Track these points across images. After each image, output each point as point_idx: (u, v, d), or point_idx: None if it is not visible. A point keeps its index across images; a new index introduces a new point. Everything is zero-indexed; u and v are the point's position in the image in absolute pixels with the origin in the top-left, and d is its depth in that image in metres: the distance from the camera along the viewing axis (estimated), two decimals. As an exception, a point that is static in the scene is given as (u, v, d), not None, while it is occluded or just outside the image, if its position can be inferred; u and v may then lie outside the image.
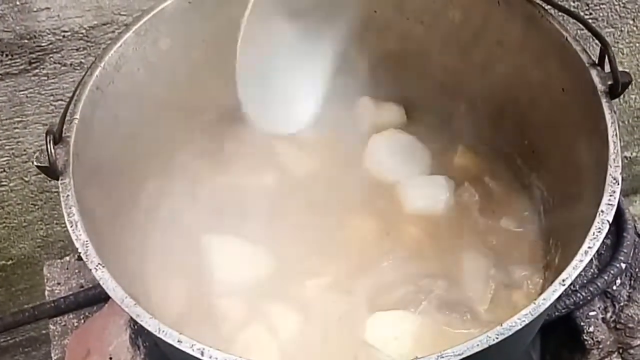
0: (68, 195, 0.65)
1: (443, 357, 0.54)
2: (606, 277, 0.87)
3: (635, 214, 1.47)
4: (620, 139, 0.65)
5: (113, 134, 0.77)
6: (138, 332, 0.82)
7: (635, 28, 1.21)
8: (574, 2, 1.12)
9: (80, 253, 0.61)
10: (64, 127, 0.68)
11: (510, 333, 0.55)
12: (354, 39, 0.89)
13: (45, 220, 1.14)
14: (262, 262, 0.83)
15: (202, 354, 0.55)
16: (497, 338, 0.55)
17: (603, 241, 0.60)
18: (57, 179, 0.66)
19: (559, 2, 1.02)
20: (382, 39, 0.91)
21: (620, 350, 0.88)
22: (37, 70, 0.96)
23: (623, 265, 0.88)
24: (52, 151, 0.64)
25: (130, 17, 0.94)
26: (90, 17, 0.93)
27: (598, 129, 0.68)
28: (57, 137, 0.66)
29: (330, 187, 0.89)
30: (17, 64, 0.95)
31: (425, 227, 0.85)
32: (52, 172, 0.65)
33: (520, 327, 0.56)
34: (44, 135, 0.65)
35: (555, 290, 0.59)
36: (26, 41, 0.93)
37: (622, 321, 0.86)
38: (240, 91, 0.81)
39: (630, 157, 1.43)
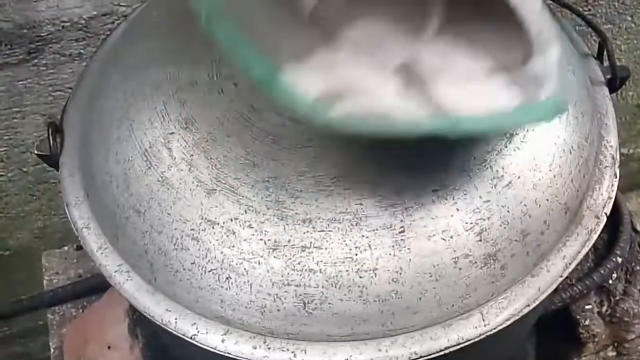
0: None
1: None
2: (602, 272, 0.87)
3: (632, 210, 1.47)
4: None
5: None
6: (136, 322, 0.82)
7: (633, 25, 1.22)
8: (572, -3, 1.13)
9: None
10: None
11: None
12: None
13: (43, 211, 1.14)
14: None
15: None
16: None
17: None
18: (57, 168, 0.66)
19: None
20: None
21: (616, 344, 0.88)
22: (36, 61, 0.96)
23: (619, 260, 0.89)
24: (54, 141, 0.64)
25: (130, 7, 0.94)
26: (90, 7, 0.93)
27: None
28: (60, 125, 0.67)
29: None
30: (16, 54, 0.95)
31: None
32: (52, 160, 0.65)
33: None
34: (43, 125, 0.65)
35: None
36: (25, 31, 0.92)
37: (618, 315, 0.87)
38: None
39: (627, 154, 1.44)
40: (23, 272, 1.21)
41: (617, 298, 0.88)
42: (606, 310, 0.87)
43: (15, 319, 1.04)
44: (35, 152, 0.64)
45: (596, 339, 0.87)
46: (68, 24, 0.94)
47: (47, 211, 1.14)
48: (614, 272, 0.89)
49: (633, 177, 1.48)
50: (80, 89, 0.68)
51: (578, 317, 0.87)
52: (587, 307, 0.88)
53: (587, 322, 0.87)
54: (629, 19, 1.20)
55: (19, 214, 1.13)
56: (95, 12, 0.94)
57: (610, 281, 0.89)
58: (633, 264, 0.90)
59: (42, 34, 0.94)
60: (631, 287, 0.89)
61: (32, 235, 1.17)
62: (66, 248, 0.97)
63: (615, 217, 0.91)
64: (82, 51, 0.97)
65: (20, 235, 1.17)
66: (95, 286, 0.90)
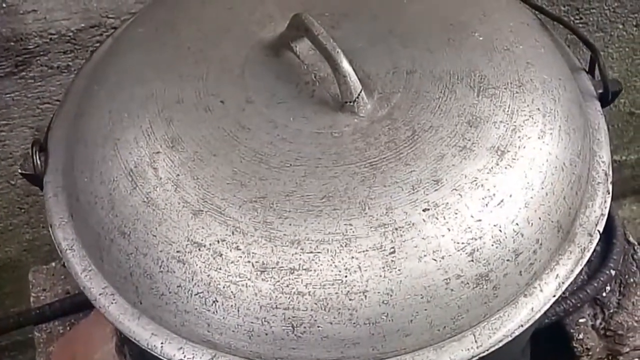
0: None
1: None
2: (596, 284, 0.87)
3: (624, 217, 1.47)
4: (610, 144, 0.65)
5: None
6: (124, 340, 0.81)
7: (624, 33, 1.21)
8: (564, 6, 1.12)
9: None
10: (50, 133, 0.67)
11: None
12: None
13: (32, 224, 1.13)
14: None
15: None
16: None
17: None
18: (42, 187, 0.65)
19: (549, 8, 1.03)
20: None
21: (610, 357, 0.88)
22: (23, 73, 0.95)
23: (613, 272, 0.88)
24: (38, 160, 0.63)
25: (118, 19, 0.93)
26: (78, 19, 0.92)
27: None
28: (44, 144, 0.65)
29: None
30: (4, 66, 0.94)
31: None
32: (36, 180, 0.64)
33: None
34: (31, 137, 0.64)
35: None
36: (13, 44, 0.92)
37: (612, 328, 0.86)
38: None
39: (619, 161, 1.44)
40: (11, 284, 1.20)
41: (611, 311, 0.87)
42: (600, 324, 0.87)
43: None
44: (19, 171, 0.63)
45: (590, 353, 0.86)
46: (56, 36, 0.93)
47: (35, 224, 1.13)
48: (608, 284, 0.88)
49: (626, 184, 1.48)
50: (65, 107, 0.67)
51: (572, 330, 0.87)
52: (581, 320, 0.87)
53: (581, 336, 0.86)
54: (621, 27, 1.20)
55: (6, 227, 1.12)
56: (83, 25, 0.93)
57: (604, 294, 0.88)
58: (627, 277, 0.89)
59: (30, 47, 0.93)
60: (625, 299, 0.88)
61: (20, 248, 1.16)
62: (53, 264, 0.95)
63: (608, 229, 0.90)
64: (70, 63, 0.96)
65: (8, 248, 1.16)
66: (83, 303, 0.88)
